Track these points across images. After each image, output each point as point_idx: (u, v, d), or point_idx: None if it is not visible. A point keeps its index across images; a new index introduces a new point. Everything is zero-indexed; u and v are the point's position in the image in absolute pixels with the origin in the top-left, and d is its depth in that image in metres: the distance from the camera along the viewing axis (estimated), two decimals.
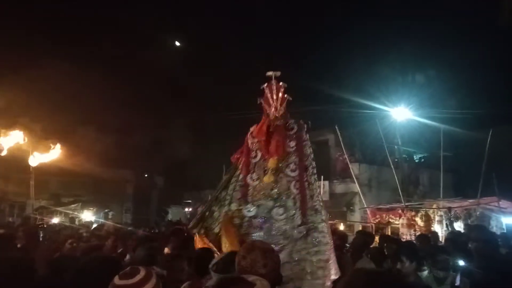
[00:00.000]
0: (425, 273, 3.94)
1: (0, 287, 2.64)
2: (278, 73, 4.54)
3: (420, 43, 24.83)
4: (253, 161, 4.48)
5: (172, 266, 3.69)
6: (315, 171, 4.29)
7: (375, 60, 24.89)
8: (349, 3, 37.54)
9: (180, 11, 33.58)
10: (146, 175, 29.83)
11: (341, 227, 13.73)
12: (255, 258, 2.17)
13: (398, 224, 11.84)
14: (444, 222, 10.78)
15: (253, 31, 39.31)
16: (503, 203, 10.41)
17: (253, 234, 3.99)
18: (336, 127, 15.40)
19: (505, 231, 9.53)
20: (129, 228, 10.91)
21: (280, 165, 4.29)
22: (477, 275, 3.52)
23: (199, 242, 4.15)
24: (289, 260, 3.72)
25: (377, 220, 12.92)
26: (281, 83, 4.53)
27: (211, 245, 4.00)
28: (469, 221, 10.47)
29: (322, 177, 12.42)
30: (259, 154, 4.46)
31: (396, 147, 17.75)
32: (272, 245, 2.81)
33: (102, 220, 18.84)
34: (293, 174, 4.23)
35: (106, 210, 24.17)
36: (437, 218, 11.19)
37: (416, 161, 22.01)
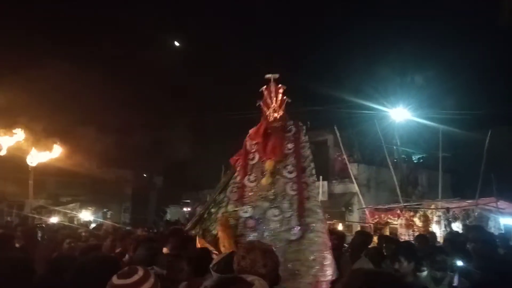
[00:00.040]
0: (425, 273, 3.94)
1: None
2: (277, 76, 4.58)
3: (419, 43, 24.91)
4: (251, 163, 4.50)
5: (171, 266, 3.69)
6: (313, 172, 4.30)
7: (374, 61, 24.97)
8: (349, 3, 37.58)
9: (180, 11, 33.59)
10: (145, 175, 29.82)
11: (340, 227, 13.74)
12: (255, 258, 2.18)
13: (397, 224, 11.85)
14: (443, 223, 10.80)
15: (253, 31, 39.37)
16: (501, 204, 10.43)
17: (247, 235, 4.00)
18: (335, 128, 15.40)
19: (503, 231, 9.54)
20: (128, 228, 10.91)
21: (277, 167, 4.30)
22: (475, 275, 3.53)
23: (200, 243, 4.18)
24: (282, 261, 3.72)
25: (375, 221, 12.94)
26: (279, 85, 4.56)
27: (208, 245, 4.02)
28: (467, 221, 10.48)
29: (321, 177, 12.42)
30: (257, 156, 4.48)
31: (395, 147, 17.76)
32: None
33: (101, 220, 18.81)
34: (290, 175, 4.24)
35: (105, 210, 24.18)
36: (435, 218, 11.20)
37: (415, 161, 22.04)
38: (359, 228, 12.61)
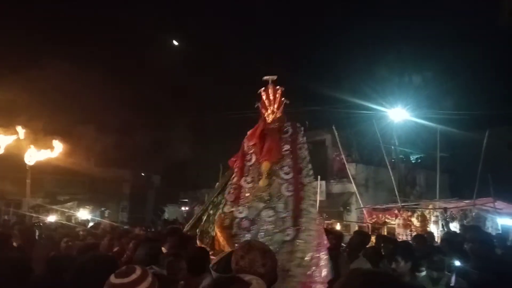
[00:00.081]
0: (423, 273, 3.95)
1: None
2: (275, 77, 4.60)
3: (417, 43, 24.96)
4: (248, 164, 4.53)
5: (171, 265, 3.69)
6: (310, 173, 4.30)
7: (372, 61, 24.97)
8: (348, 4, 37.60)
9: (180, 11, 33.55)
10: (143, 174, 29.79)
11: (338, 227, 13.76)
12: (253, 258, 2.17)
13: (394, 224, 11.86)
14: (440, 223, 10.81)
15: (253, 31, 39.37)
16: (499, 204, 10.45)
17: (241, 236, 4.00)
18: (334, 127, 15.42)
19: (500, 231, 9.58)
20: (126, 227, 10.88)
21: (274, 168, 4.31)
22: (472, 275, 3.53)
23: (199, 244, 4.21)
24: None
25: (373, 220, 12.94)
26: (277, 87, 4.58)
27: (206, 247, 4.03)
28: (464, 221, 10.51)
29: (319, 177, 12.42)
30: (254, 158, 4.50)
31: (393, 147, 17.80)
32: None
33: (99, 219, 18.77)
34: (286, 176, 4.25)
35: (103, 209, 24.13)
36: (433, 218, 11.22)
37: (413, 161, 22.10)
38: (357, 228, 12.62)
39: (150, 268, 2.92)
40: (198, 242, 4.32)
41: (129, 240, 5.38)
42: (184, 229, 4.99)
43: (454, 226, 10.42)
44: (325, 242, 4.07)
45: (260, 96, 4.63)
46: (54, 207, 21.34)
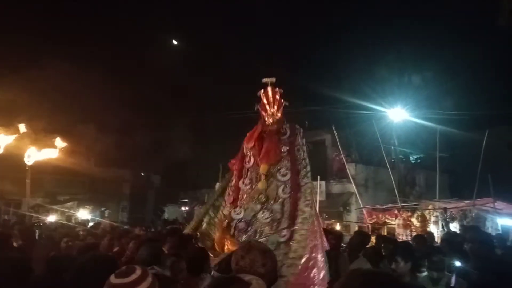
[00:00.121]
0: (424, 274, 3.95)
1: None
2: (273, 80, 4.62)
3: (417, 43, 24.95)
4: (247, 166, 4.55)
5: (172, 266, 3.70)
6: (308, 174, 4.31)
7: (372, 61, 25.00)
8: (348, 4, 37.62)
9: (180, 11, 33.56)
10: (142, 174, 29.80)
11: (338, 227, 13.76)
12: (254, 258, 2.17)
13: (394, 224, 11.86)
14: (440, 223, 10.81)
15: (253, 32, 39.38)
16: (499, 204, 10.45)
17: (238, 238, 4.01)
18: (333, 127, 15.42)
19: (500, 232, 9.58)
20: (125, 227, 10.88)
21: (271, 170, 4.33)
22: (472, 275, 3.53)
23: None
24: None
25: (373, 221, 12.94)
26: (276, 89, 4.59)
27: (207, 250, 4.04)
28: (464, 222, 10.50)
29: (318, 177, 12.43)
30: (253, 160, 4.52)
31: (392, 147, 17.80)
32: None
33: (99, 219, 18.77)
34: (283, 178, 4.26)
35: (103, 209, 24.12)
36: (433, 218, 11.22)
37: (413, 161, 22.10)
38: (357, 228, 12.62)
39: (151, 268, 2.92)
40: (200, 244, 4.34)
41: (129, 240, 5.37)
42: (185, 231, 5.01)
43: (454, 226, 10.42)
44: (325, 243, 4.06)
45: (259, 98, 4.65)
46: (54, 207, 21.34)
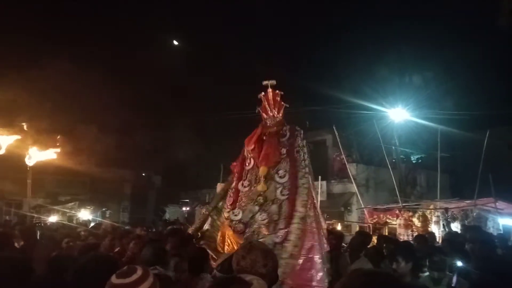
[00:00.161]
0: (426, 274, 3.95)
1: None
2: (274, 82, 4.64)
3: (418, 43, 24.92)
4: (247, 168, 4.58)
5: (175, 266, 3.71)
6: (306, 175, 4.32)
7: (373, 61, 24.91)
8: (348, 4, 37.61)
9: (180, 11, 33.59)
10: (143, 174, 29.82)
11: (339, 227, 13.75)
12: (255, 258, 2.17)
13: (395, 224, 11.85)
14: (441, 223, 10.80)
15: (253, 32, 39.40)
16: (500, 204, 10.43)
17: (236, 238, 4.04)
18: (334, 128, 15.42)
19: (501, 231, 9.57)
20: (126, 227, 10.89)
21: (271, 172, 4.35)
22: (474, 275, 3.53)
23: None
24: None
25: (374, 221, 12.94)
26: (277, 91, 4.61)
27: (210, 252, 4.05)
28: (466, 222, 10.49)
29: (319, 177, 12.43)
30: (252, 162, 4.55)
31: (393, 147, 17.78)
32: None
33: (100, 219, 18.79)
34: (281, 180, 4.28)
35: (104, 209, 24.15)
36: (434, 218, 11.20)
37: (414, 161, 22.08)
38: (358, 228, 12.62)
39: (153, 268, 2.92)
40: (202, 244, 4.36)
41: (130, 241, 5.38)
42: (188, 230, 5.04)
43: (455, 226, 10.41)
44: (325, 245, 4.05)
45: (260, 101, 4.67)
46: (55, 207, 21.38)
